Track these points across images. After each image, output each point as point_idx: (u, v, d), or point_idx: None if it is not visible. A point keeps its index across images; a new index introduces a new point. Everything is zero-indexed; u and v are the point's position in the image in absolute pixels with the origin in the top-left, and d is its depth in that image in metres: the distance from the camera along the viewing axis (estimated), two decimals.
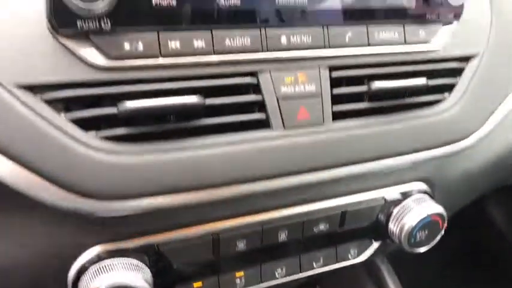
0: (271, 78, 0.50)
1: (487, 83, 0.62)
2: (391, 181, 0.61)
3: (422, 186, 0.64)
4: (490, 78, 0.63)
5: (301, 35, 0.50)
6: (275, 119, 0.50)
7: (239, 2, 0.46)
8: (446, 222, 0.63)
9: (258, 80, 0.49)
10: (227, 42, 0.47)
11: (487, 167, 0.71)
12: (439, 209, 0.61)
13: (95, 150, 0.43)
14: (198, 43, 0.46)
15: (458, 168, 0.68)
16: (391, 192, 0.62)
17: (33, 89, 0.42)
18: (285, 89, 0.50)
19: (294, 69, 0.51)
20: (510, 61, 0.65)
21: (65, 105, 0.44)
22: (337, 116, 0.53)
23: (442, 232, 0.64)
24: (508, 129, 0.69)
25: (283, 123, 0.50)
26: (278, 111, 0.50)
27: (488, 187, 0.81)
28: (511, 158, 0.74)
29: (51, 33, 0.42)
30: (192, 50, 0.45)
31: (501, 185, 0.88)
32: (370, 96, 0.55)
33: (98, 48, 0.43)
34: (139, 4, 0.42)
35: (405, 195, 0.63)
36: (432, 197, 0.65)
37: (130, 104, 0.43)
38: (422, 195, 0.63)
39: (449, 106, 0.59)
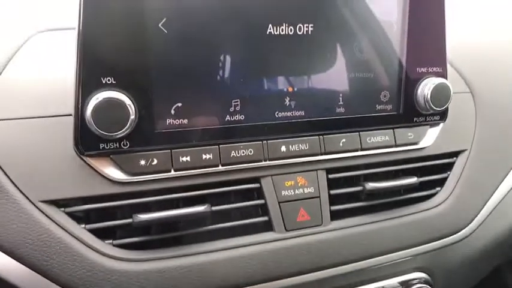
0: (273, 183, 0.55)
1: (477, 175, 0.66)
2: (390, 272, 0.64)
3: (422, 275, 0.66)
4: (480, 171, 0.67)
5: (299, 144, 0.55)
6: (277, 222, 0.54)
7: (243, 117, 0.52)
8: None
9: (260, 185, 0.54)
10: (232, 154, 0.52)
11: (487, 250, 0.73)
12: None
13: (111, 259, 0.48)
14: (206, 156, 0.51)
15: (458, 255, 0.70)
16: (391, 283, 0.64)
17: (57, 203, 0.47)
18: (285, 193, 0.55)
19: (294, 174, 0.56)
20: (497, 153, 0.69)
21: (85, 215, 0.49)
22: (335, 215, 0.57)
23: None
24: (505, 214, 0.72)
25: (284, 225, 0.54)
26: (280, 213, 0.54)
27: (491, 268, 0.82)
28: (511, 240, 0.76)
29: (76, 153, 0.47)
30: (201, 163, 0.51)
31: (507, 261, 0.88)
32: (366, 195, 0.59)
33: (117, 165, 0.48)
34: (154, 127, 0.48)
35: (405, 285, 0.65)
36: (432, 285, 0.67)
37: (144, 216, 0.48)
38: (422, 285, 0.65)
39: (442, 200, 0.63)
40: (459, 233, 0.64)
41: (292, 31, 0.52)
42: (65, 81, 0.48)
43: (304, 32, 0.52)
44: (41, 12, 0.60)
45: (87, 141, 0.46)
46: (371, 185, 0.57)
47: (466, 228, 0.65)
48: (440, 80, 0.58)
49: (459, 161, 0.66)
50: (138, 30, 0.45)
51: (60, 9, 0.59)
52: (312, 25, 0.53)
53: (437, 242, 0.63)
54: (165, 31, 0.47)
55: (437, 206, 0.63)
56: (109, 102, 0.44)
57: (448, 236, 0.64)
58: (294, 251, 0.54)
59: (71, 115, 0.46)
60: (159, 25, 0.46)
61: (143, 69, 0.47)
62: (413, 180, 0.60)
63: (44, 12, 0.60)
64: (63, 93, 0.49)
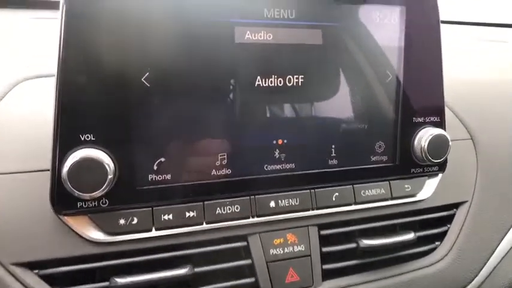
0: (261, 241, 0.52)
1: (479, 228, 0.63)
2: None
3: None
4: (482, 223, 0.63)
5: (289, 199, 0.52)
6: (264, 283, 0.51)
7: (230, 172, 0.50)
8: None
9: (248, 244, 0.51)
10: (218, 211, 0.49)
11: None
12: None
13: None
14: (190, 214, 0.48)
15: None
16: None
17: (31, 265, 0.45)
18: (274, 251, 0.52)
19: (283, 231, 0.53)
20: (500, 203, 0.66)
21: (60, 277, 0.46)
22: (327, 274, 0.54)
23: None
24: (508, 270, 0.68)
25: (272, 287, 0.51)
26: (267, 275, 0.51)
27: None
28: None
29: (53, 213, 0.45)
30: (184, 221, 0.48)
31: None
32: (361, 252, 0.56)
33: (96, 224, 0.46)
34: (135, 184, 0.46)
35: None
36: None
37: (122, 280, 0.45)
38: None
39: (442, 255, 0.60)
40: None
41: (282, 83, 0.50)
42: (46, 134, 0.46)
43: (294, 84, 0.51)
44: (32, 58, 0.59)
45: (64, 200, 0.43)
46: (365, 242, 0.54)
47: (468, 287, 0.61)
48: (438, 130, 0.55)
49: (459, 213, 0.62)
50: (119, 84, 0.44)
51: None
52: (302, 76, 0.51)
53: None
54: (148, 85, 0.45)
55: (437, 262, 0.59)
56: (86, 162, 0.42)
57: None
58: None
59: (49, 170, 0.44)
60: (142, 79, 0.45)
61: (124, 124, 0.45)
62: (410, 236, 0.56)
63: (35, 58, 0.58)
64: (43, 147, 0.47)
